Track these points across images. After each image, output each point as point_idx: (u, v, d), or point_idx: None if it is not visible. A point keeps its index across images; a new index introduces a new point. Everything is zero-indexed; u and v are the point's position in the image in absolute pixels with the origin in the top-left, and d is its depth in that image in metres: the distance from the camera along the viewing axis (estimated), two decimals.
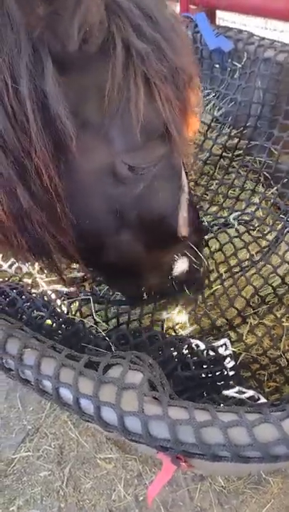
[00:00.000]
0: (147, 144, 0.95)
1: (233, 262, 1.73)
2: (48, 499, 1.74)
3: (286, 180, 1.86)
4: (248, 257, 1.72)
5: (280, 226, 1.81)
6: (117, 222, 1.07)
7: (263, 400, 1.23)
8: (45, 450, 1.87)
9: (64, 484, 1.77)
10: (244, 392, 1.24)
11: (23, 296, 1.37)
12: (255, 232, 1.83)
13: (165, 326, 1.51)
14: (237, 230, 1.84)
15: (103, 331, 1.44)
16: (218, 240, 1.81)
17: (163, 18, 0.88)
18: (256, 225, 1.84)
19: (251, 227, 1.84)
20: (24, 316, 1.31)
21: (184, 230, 1.23)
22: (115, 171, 0.98)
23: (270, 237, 1.78)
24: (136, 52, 0.84)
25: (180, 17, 0.98)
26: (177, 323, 1.54)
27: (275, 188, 1.90)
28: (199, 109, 1.04)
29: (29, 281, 1.54)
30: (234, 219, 1.88)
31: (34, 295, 1.39)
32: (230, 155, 2.06)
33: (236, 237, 1.80)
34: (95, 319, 1.49)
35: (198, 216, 1.41)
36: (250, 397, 1.23)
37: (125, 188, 1.02)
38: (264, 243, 1.77)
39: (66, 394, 0.84)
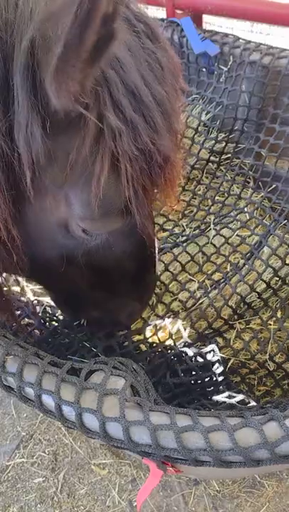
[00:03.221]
0: (105, 217, 0.93)
1: (216, 274, 1.75)
2: (43, 506, 1.73)
3: (273, 185, 1.86)
4: (228, 268, 1.73)
5: (263, 231, 1.81)
6: (67, 265, 1.05)
7: (253, 403, 1.23)
8: (39, 456, 1.86)
9: (58, 490, 1.77)
10: (234, 397, 1.24)
11: (13, 304, 1.37)
12: (235, 237, 1.83)
13: (150, 340, 1.50)
14: (213, 244, 1.85)
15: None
16: (203, 253, 1.82)
17: (150, 96, 0.83)
18: (236, 228, 1.85)
19: (233, 233, 1.84)
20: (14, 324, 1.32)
21: (135, 278, 1.21)
22: (69, 229, 0.96)
23: (252, 241, 1.79)
24: (109, 129, 0.80)
25: (179, 90, 0.91)
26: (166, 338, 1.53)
27: (262, 194, 1.91)
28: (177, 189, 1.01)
29: (18, 289, 1.54)
30: (217, 223, 1.89)
31: (23, 303, 1.40)
32: (217, 159, 2.06)
33: (220, 246, 1.81)
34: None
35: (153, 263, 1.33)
36: (241, 402, 1.23)
37: (77, 242, 1.00)
38: (247, 248, 1.78)
39: (49, 401, 0.84)
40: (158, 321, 1.55)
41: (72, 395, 0.83)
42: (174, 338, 1.48)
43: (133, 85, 0.80)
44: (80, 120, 0.77)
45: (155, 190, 0.98)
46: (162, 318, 1.58)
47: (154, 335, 1.49)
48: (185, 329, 1.53)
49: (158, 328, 1.51)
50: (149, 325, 1.53)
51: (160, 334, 1.50)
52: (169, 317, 1.59)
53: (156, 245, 1.25)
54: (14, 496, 1.77)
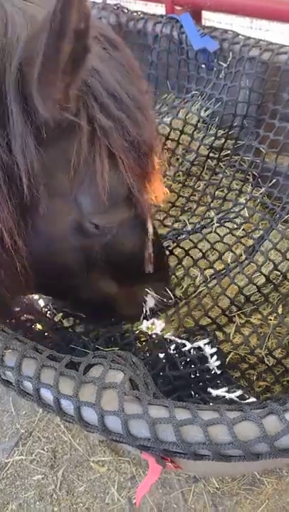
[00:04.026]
0: (113, 207, 1.03)
1: (218, 265, 1.74)
2: (42, 503, 1.73)
3: (273, 180, 1.86)
4: (229, 260, 1.73)
5: (265, 225, 1.81)
6: (81, 267, 1.14)
7: (252, 399, 1.22)
8: (38, 454, 1.86)
9: (57, 488, 1.76)
10: (233, 392, 1.24)
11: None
12: (239, 231, 1.83)
13: (150, 332, 1.49)
14: (217, 233, 1.84)
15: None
16: (207, 240, 1.81)
17: (127, 96, 0.94)
18: (240, 222, 1.85)
19: (236, 227, 1.84)
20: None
21: (149, 268, 1.30)
22: (82, 229, 1.04)
23: (255, 235, 1.78)
24: (100, 128, 0.90)
25: (146, 92, 1.05)
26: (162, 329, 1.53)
27: (263, 188, 1.91)
28: (161, 175, 1.15)
29: None
30: (220, 219, 1.88)
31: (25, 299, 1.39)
32: (217, 155, 2.06)
33: (223, 237, 1.81)
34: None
35: (164, 253, 1.51)
36: (240, 397, 1.22)
37: (92, 240, 1.09)
38: (250, 242, 1.77)
39: (47, 395, 0.84)
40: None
41: (70, 388, 0.82)
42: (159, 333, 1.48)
43: (112, 89, 0.91)
44: (74, 126, 0.87)
45: (147, 179, 1.08)
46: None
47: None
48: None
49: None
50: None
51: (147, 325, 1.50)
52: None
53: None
54: (13, 493, 1.77)
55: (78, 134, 0.88)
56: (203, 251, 1.77)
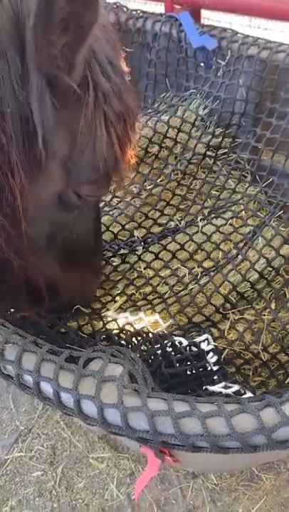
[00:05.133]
0: (101, 179, 1.07)
1: (208, 262, 1.75)
2: (41, 499, 1.74)
3: (269, 178, 1.87)
4: (220, 255, 1.74)
5: (257, 222, 1.82)
6: (49, 241, 1.18)
7: (248, 394, 1.23)
8: (37, 450, 1.86)
9: (57, 484, 1.77)
10: (230, 387, 1.25)
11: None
12: (226, 226, 1.83)
13: (138, 327, 1.51)
14: (203, 233, 1.85)
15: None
16: (204, 232, 1.82)
17: (119, 65, 0.99)
18: (229, 216, 1.86)
19: (229, 223, 1.84)
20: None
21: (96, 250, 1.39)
22: (64, 199, 1.08)
23: (245, 230, 1.79)
24: (102, 92, 0.93)
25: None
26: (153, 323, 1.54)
27: (258, 188, 1.92)
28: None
29: None
30: (213, 214, 1.89)
31: None
32: (214, 154, 2.06)
33: (213, 233, 1.82)
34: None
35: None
36: (236, 392, 1.23)
37: (64, 214, 1.13)
38: (238, 238, 1.78)
39: (47, 388, 0.85)
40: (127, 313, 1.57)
41: (70, 381, 0.83)
42: (154, 331, 1.49)
43: (109, 56, 0.95)
44: (83, 91, 0.89)
45: (129, 152, 1.10)
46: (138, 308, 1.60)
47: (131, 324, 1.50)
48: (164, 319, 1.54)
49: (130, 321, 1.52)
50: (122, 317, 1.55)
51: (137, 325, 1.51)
52: (144, 308, 1.60)
53: None
54: (13, 489, 1.78)
55: (86, 98, 0.91)
56: (194, 248, 1.79)
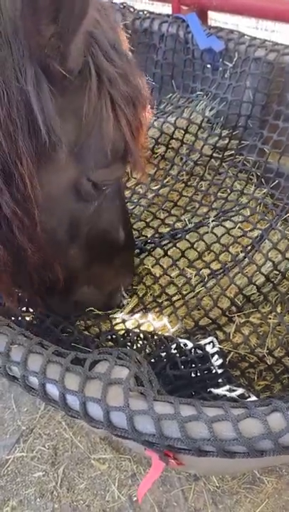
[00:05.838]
0: (112, 163, 1.07)
1: (215, 264, 1.74)
2: (42, 500, 1.73)
3: (276, 181, 1.86)
4: (229, 258, 1.73)
5: (265, 225, 1.81)
6: (71, 234, 1.16)
7: (253, 398, 1.23)
8: (39, 451, 1.86)
9: (58, 485, 1.76)
10: (234, 390, 1.24)
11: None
12: (235, 229, 1.83)
13: (144, 329, 1.50)
14: (214, 234, 1.84)
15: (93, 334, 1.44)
16: (213, 234, 1.82)
17: (122, 49, 1.00)
18: (239, 220, 1.85)
19: (236, 226, 1.83)
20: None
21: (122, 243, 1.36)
22: (79, 188, 1.07)
23: (253, 234, 1.79)
24: (106, 76, 0.94)
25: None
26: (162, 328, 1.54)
27: (264, 190, 1.92)
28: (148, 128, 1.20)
29: None
30: (220, 217, 1.88)
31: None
32: (220, 155, 2.06)
33: (222, 235, 1.81)
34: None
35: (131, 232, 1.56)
36: (241, 396, 1.23)
37: (83, 205, 1.12)
38: (245, 241, 1.77)
39: (53, 390, 0.84)
40: (137, 315, 1.56)
41: (76, 384, 0.83)
42: (159, 333, 1.48)
43: (112, 40, 0.96)
44: (85, 76, 0.91)
45: (141, 134, 1.11)
46: (147, 311, 1.59)
47: (138, 327, 1.50)
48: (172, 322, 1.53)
49: (140, 323, 1.51)
50: (131, 318, 1.55)
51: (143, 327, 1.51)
52: (153, 311, 1.59)
53: None
54: (14, 489, 1.77)
55: (88, 83, 0.92)
56: (202, 249, 1.78)
